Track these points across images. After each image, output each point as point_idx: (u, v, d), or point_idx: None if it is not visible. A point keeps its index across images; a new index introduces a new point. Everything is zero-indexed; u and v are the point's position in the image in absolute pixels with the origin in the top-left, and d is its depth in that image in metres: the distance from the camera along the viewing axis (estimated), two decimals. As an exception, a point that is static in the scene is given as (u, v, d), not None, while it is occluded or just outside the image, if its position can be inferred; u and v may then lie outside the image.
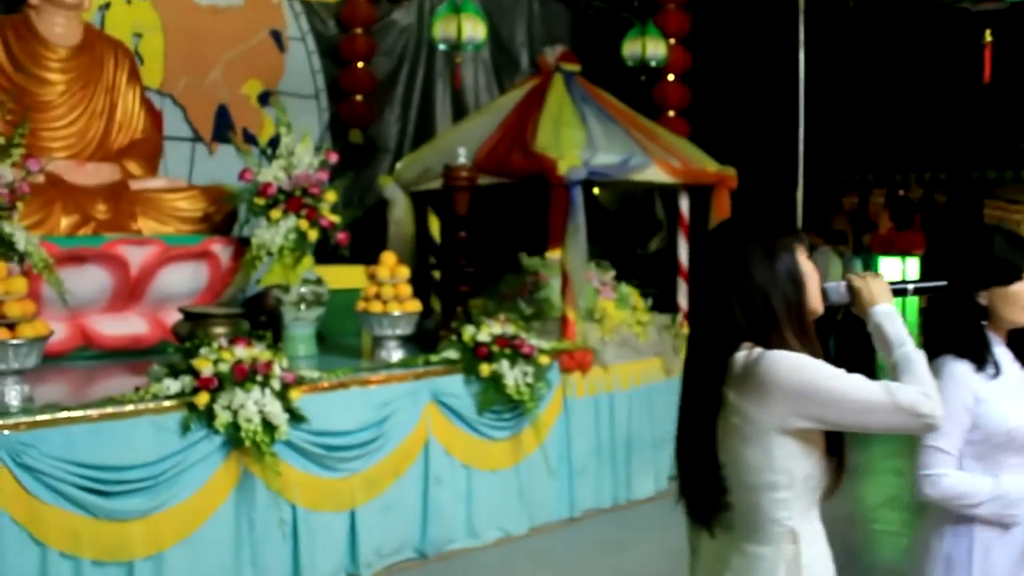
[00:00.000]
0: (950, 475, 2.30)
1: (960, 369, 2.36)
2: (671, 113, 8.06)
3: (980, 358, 2.38)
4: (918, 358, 1.90)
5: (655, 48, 7.24)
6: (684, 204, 6.92)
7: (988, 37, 6.47)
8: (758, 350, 1.84)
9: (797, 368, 1.80)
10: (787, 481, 1.84)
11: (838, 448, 1.89)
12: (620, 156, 6.06)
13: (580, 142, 5.89)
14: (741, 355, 1.85)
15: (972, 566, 2.36)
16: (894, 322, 1.98)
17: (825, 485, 1.91)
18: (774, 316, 1.88)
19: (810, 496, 1.89)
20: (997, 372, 2.39)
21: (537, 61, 6.87)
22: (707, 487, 1.91)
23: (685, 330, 6.81)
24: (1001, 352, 2.44)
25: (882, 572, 5.05)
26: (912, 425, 1.82)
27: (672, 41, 7.74)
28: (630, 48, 7.33)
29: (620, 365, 6.20)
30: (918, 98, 10.01)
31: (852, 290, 2.03)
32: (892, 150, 11.13)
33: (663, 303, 6.94)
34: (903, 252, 10.37)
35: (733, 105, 9.04)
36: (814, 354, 1.85)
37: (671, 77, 8.05)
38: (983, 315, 2.43)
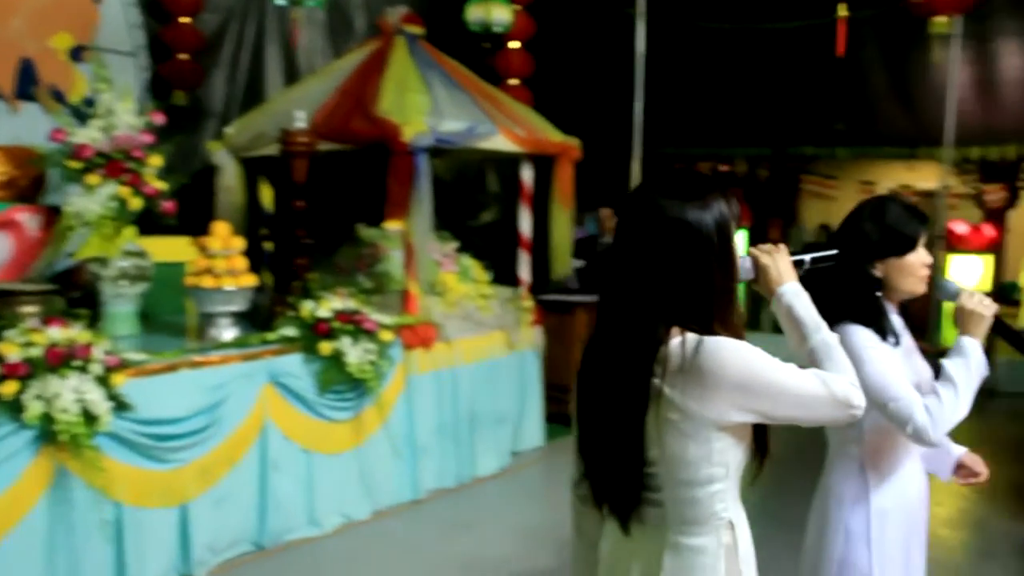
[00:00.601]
0: (929, 404, 2.27)
1: (866, 332, 2.36)
2: (513, 81, 7.90)
3: (880, 327, 2.37)
4: (836, 343, 1.83)
5: (500, 13, 7.04)
6: (527, 174, 6.79)
7: (843, 11, 6.60)
8: (693, 338, 1.70)
9: (742, 359, 1.68)
10: (723, 473, 1.76)
11: (763, 434, 1.81)
12: (466, 123, 5.86)
13: (425, 108, 5.63)
14: (675, 344, 1.71)
15: (871, 535, 2.41)
16: (805, 303, 1.88)
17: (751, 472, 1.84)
18: (710, 297, 1.74)
19: (738, 485, 1.82)
20: (897, 341, 2.41)
21: (378, 23, 6.52)
22: (630, 485, 1.79)
23: (527, 303, 6.73)
24: (896, 320, 2.46)
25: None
26: (840, 417, 1.76)
27: (517, 7, 7.54)
28: (475, 12, 7.10)
29: (463, 340, 6.05)
30: (747, 75, 10.28)
31: (758, 266, 1.91)
32: (720, 125, 11.43)
33: (503, 275, 6.80)
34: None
35: (571, 75, 9.00)
36: (742, 338, 1.73)
37: (515, 44, 7.87)
38: (878, 285, 2.41)
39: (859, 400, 1.75)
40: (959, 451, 2.59)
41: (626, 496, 1.80)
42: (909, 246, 2.40)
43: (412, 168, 5.44)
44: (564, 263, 7.03)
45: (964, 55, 8.31)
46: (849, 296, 2.39)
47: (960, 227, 9.41)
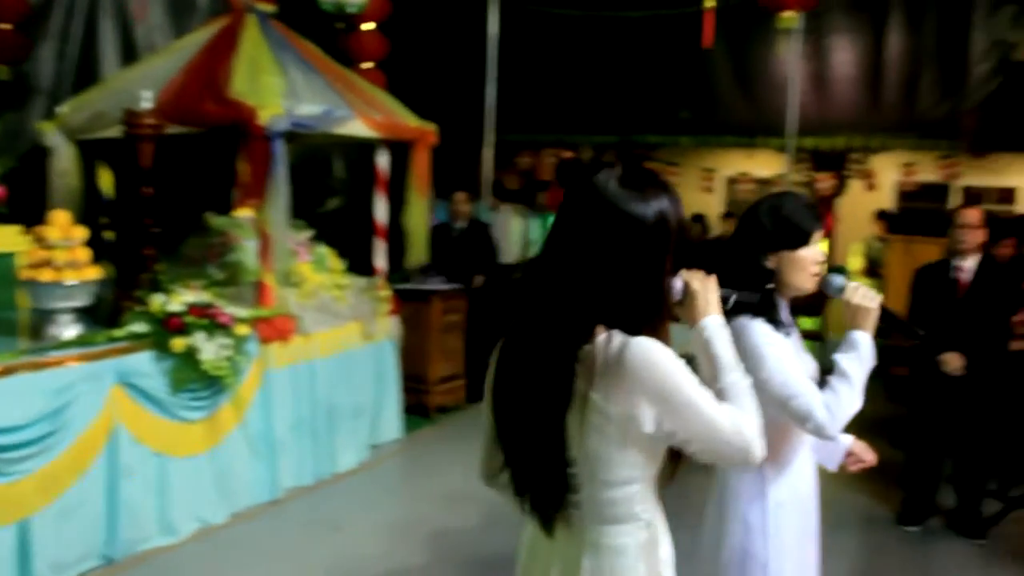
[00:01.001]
0: (828, 400, 2.31)
1: (763, 326, 2.38)
2: (367, 64, 7.67)
3: (773, 319, 2.39)
4: (748, 387, 1.78)
5: (355, -7, 6.81)
6: (383, 160, 6.61)
7: (710, 3, 6.72)
8: (619, 338, 1.65)
9: (667, 369, 1.64)
10: (642, 475, 1.74)
11: None
12: (323, 107, 5.63)
13: (281, 90, 5.37)
14: (599, 344, 1.65)
15: (767, 528, 2.45)
16: (724, 340, 1.82)
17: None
18: (644, 298, 1.69)
19: (655, 485, 1.80)
20: (788, 333, 2.44)
21: (227, -1, 6.17)
22: (553, 488, 1.74)
23: (384, 292, 6.57)
24: (785, 315, 2.49)
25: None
26: (735, 460, 1.74)
27: (370, -13, 7.33)
28: (328, -8, 6.85)
29: (320, 332, 5.84)
30: (594, 63, 10.41)
31: (687, 291, 1.85)
32: (567, 112, 11.54)
33: (354, 264, 6.61)
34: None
35: (423, 59, 8.85)
36: (669, 345, 1.68)
37: (369, 26, 7.63)
38: (770, 278, 2.43)
39: (759, 452, 1.72)
40: (848, 440, 2.66)
41: (549, 499, 1.76)
42: (802, 240, 2.42)
43: (268, 153, 5.18)
44: (421, 251, 6.91)
45: (801, 49, 8.67)
46: (742, 287, 2.40)
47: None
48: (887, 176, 11.80)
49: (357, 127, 5.97)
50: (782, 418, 2.36)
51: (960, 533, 5.25)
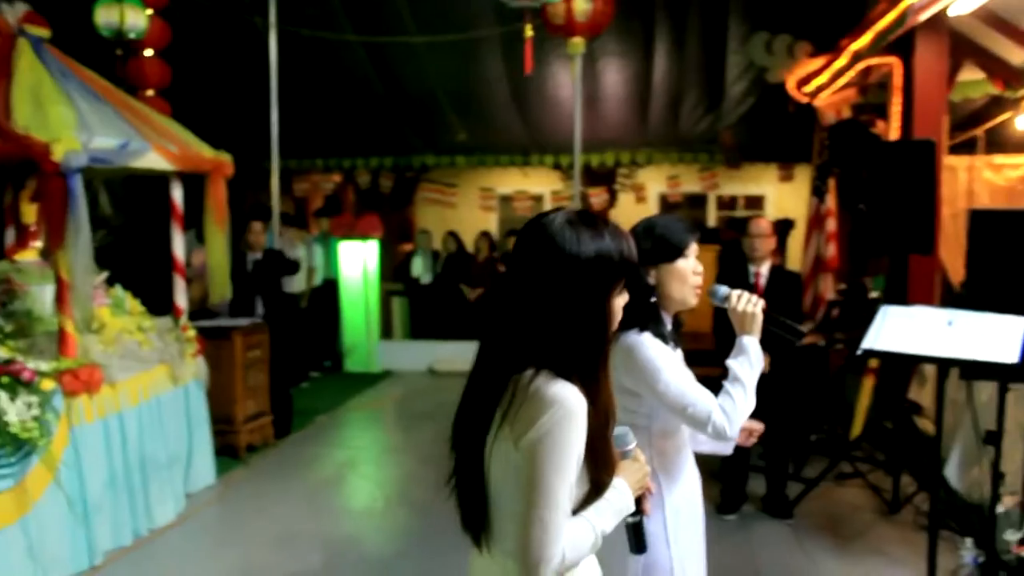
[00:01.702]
0: (724, 404, 2.42)
1: (653, 340, 2.46)
2: (149, 92, 7.22)
3: (659, 333, 2.48)
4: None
5: (135, 18, 6.38)
6: (177, 193, 6.25)
7: (529, 32, 6.84)
8: (541, 378, 1.66)
9: (552, 443, 1.62)
10: None
11: (598, 466, 1.76)
12: (118, 140, 5.23)
13: (72, 122, 4.94)
14: (524, 378, 1.68)
15: (668, 536, 2.52)
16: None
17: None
18: (579, 336, 1.70)
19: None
20: (676, 346, 2.54)
21: (-9, 22, 5.59)
22: (473, 505, 1.79)
23: (190, 332, 6.22)
24: (669, 330, 2.58)
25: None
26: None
27: (150, 12, 6.88)
28: (105, 16, 6.36)
29: (126, 379, 5.44)
30: (371, 89, 10.36)
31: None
32: (343, 136, 11.42)
33: (153, 304, 6.20)
34: (363, 235, 10.70)
35: (205, 86, 8.47)
36: (604, 393, 1.74)
37: (149, 52, 7.18)
38: (652, 292, 2.53)
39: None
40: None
41: (471, 517, 1.80)
42: (678, 252, 2.54)
43: (65, 191, 4.76)
44: (224, 286, 6.59)
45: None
46: (629, 302, 2.50)
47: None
48: (654, 188, 12.55)
49: (154, 160, 5.61)
50: (671, 426, 2.48)
51: (772, 515, 5.72)
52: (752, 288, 5.54)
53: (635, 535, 1.94)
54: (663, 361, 2.41)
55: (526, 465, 1.63)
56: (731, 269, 5.79)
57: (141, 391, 5.58)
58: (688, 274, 2.55)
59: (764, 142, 10.69)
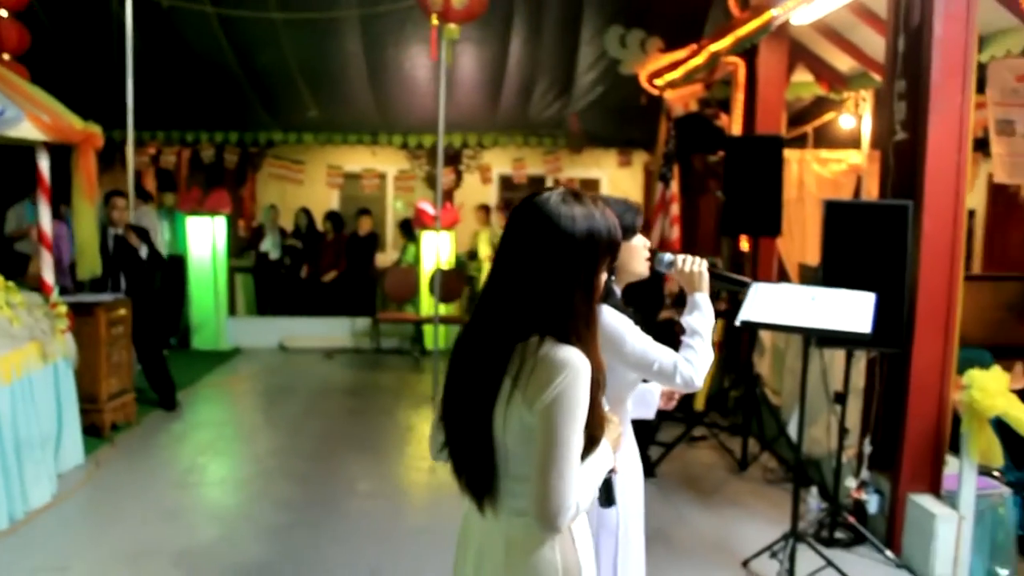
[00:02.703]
0: (688, 356, 2.64)
1: (611, 310, 2.64)
2: (6, 56, 6.87)
3: (614, 303, 2.72)
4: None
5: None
6: (44, 164, 6.04)
7: (435, 21, 6.90)
8: (548, 344, 1.80)
9: (568, 398, 1.76)
10: None
11: (593, 422, 1.90)
12: (-5, 108, 5.07)
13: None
14: (530, 345, 1.81)
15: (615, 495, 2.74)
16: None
17: None
18: (572, 307, 1.83)
19: None
20: (629, 315, 2.81)
21: None
22: (480, 470, 1.89)
23: (61, 308, 6.06)
24: (619, 300, 2.81)
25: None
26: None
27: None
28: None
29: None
30: (221, 61, 10.15)
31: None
32: (189, 109, 11.12)
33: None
34: (212, 211, 10.50)
35: (59, 53, 8.10)
36: (596, 353, 1.86)
37: (3, 14, 6.82)
38: (610, 269, 2.80)
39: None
40: (656, 386, 2.98)
41: (478, 482, 1.91)
42: (631, 232, 2.82)
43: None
44: (94, 262, 6.43)
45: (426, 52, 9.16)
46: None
47: (427, 207, 10.45)
48: (498, 170, 12.91)
49: (26, 129, 5.43)
50: (624, 394, 2.69)
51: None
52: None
53: (606, 489, 2.06)
54: (624, 327, 2.60)
55: (543, 424, 1.75)
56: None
57: (14, 370, 5.41)
58: (642, 249, 2.80)
59: (608, 129, 11.21)
